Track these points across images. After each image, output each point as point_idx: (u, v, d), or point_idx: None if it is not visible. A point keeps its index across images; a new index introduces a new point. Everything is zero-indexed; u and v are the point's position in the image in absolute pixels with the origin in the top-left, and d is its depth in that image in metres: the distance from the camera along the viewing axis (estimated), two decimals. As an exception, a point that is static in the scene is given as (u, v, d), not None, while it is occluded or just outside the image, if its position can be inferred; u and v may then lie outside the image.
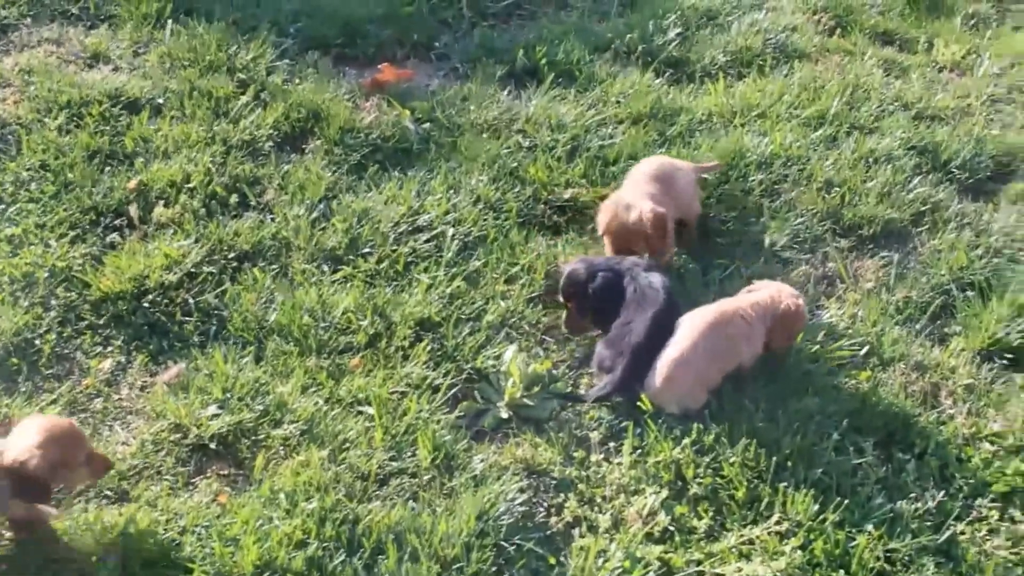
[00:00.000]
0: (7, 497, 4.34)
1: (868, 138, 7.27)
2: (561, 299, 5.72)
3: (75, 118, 6.74)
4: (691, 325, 5.33)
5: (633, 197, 5.93)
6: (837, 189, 6.76)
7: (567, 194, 6.54)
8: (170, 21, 7.65)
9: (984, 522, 4.95)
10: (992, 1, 9.26)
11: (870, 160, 7.06)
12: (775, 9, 8.83)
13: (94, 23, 7.78)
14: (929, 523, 4.88)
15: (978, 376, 5.67)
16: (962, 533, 4.88)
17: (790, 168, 6.90)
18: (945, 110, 7.74)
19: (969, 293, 6.14)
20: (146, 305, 5.63)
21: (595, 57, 7.95)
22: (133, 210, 6.16)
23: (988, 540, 4.88)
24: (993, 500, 5.04)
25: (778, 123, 7.32)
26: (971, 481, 5.09)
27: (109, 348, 5.47)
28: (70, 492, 4.77)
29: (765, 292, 5.52)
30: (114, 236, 6.04)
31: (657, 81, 7.72)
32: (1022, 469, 5.13)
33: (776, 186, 6.79)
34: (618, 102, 7.44)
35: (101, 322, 5.56)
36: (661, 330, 5.34)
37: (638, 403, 5.23)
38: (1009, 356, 5.79)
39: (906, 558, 4.72)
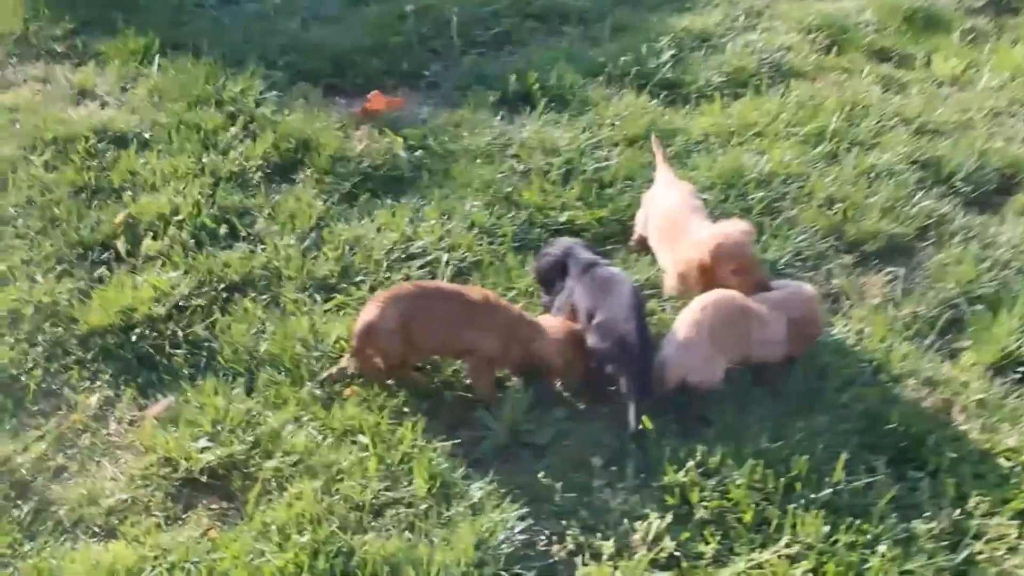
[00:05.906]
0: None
1: (869, 154, 7.16)
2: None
3: (62, 154, 6.66)
4: (697, 302, 5.25)
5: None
6: (839, 205, 6.65)
7: (563, 217, 6.42)
8: (157, 56, 7.57)
9: (1002, 540, 4.77)
10: (989, 16, 9.17)
11: (871, 175, 6.95)
12: (769, 29, 8.79)
13: (81, 60, 7.73)
14: (945, 543, 4.70)
15: (991, 390, 5.52)
16: (980, 552, 4.69)
17: (790, 185, 6.78)
18: (946, 124, 7.64)
19: (978, 307, 6.01)
20: (134, 339, 5.54)
21: (588, 81, 7.88)
22: (120, 243, 6.07)
23: (1007, 559, 4.69)
24: (1011, 518, 4.86)
25: (776, 141, 7.22)
26: (987, 498, 4.92)
27: (97, 383, 5.37)
28: None
29: (781, 292, 5.42)
30: (102, 270, 5.97)
31: (652, 103, 7.62)
32: (1039, 485, 4.99)
33: (776, 204, 6.67)
34: (612, 124, 7.34)
35: (89, 356, 5.47)
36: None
37: (640, 426, 5.07)
38: (1021, 369, 5.66)
39: (922, 579, 4.57)
